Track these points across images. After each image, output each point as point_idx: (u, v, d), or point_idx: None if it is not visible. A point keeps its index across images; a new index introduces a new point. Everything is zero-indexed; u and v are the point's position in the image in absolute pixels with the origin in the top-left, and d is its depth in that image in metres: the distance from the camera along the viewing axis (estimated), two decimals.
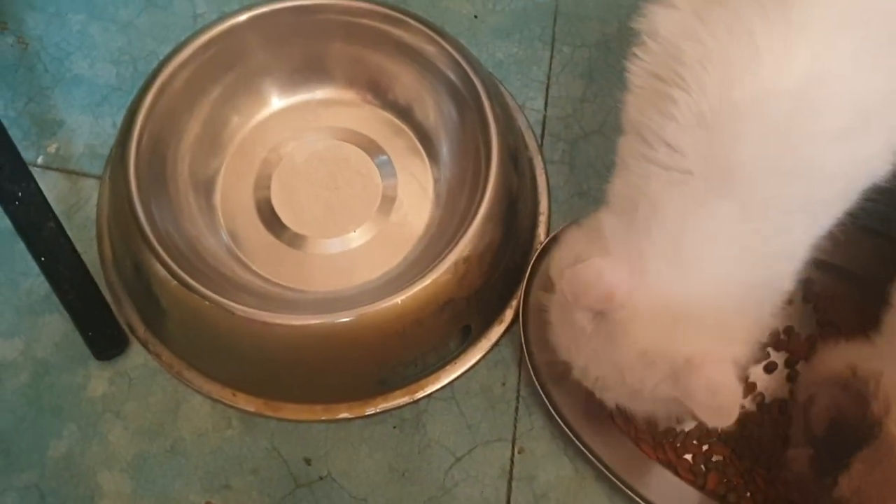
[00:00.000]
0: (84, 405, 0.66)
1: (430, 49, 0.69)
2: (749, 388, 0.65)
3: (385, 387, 0.65)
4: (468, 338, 0.66)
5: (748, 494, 0.62)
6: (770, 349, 0.66)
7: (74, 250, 0.66)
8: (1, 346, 0.68)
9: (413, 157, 0.73)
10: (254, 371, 0.64)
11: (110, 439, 0.65)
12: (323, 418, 0.65)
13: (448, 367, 0.66)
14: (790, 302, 0.67)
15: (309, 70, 0.74)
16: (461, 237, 0.61)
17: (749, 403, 0.65)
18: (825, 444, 0.51)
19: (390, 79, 0.73)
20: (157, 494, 0.64)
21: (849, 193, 0.52)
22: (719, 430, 0.64)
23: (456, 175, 0.70)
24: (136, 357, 0.68)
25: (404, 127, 0.74)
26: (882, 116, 0.49)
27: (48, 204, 0.66)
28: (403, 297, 0.59)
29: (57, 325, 0.69)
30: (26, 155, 0.69)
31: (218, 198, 0.71)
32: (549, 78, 0.80)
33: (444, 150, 0.72)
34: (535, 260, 0.67)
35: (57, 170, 0.75)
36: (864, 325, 0.56)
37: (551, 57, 0.81)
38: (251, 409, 0.65)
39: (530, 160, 0.74)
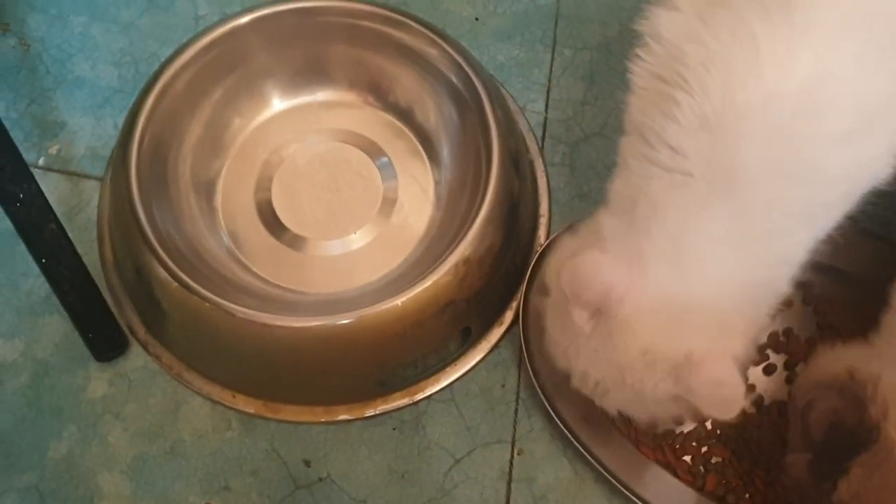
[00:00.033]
0: (84, 406, 0.66)
1: (431, 51, 0.69)
2: (748, 389, 0.65)
3: (385, 388, 0.65)
4: (468, 340, 0.66)
5: (747, 496, 0.62)
6: (769, 351, 0.67)
7: (75, 252, 0.67)
8: (1, 346, 0.68)
9: (414, 159, 0.73)
10: (254, 373, 0.64)
11: (110, 441, 0.65)
12: (323, 420, 0.65)
13: (448, 369, 0.66)
14: (790, 304, 0.67)
15: (310, 72, 0.74)
16: (462, 239, 0.61)
17: (748, 405, 0.65)
18: (824, 449, 0.51)
19: (391, 81, 0.73)
20: (156, 496, 0.64)
21: (850, 196, 0.52)
22: (718, 431, 0.64)
23: (457, 177, 0.70)
24: (136, 359, 0.68)
25: (405, 129, 0.74)
26: (884, 119, 0.49)
27: (49, 205, 0.66)
28: (404, 298, 0.59)
29: (57, 326, 0.69)
30: (28, 156, 0.69)
31: (219, 199, 0.72)
32: (550, 80, 0.80)
33: (445, 152, 0.72)
34: (536, 262, 0.67)
35: (58, 171, 0.75)
36: (864, 327, 0.56)
37: (552, 59, 0.81)
38: (251, 410, 0.65)
39: (531, 162, 0.74)
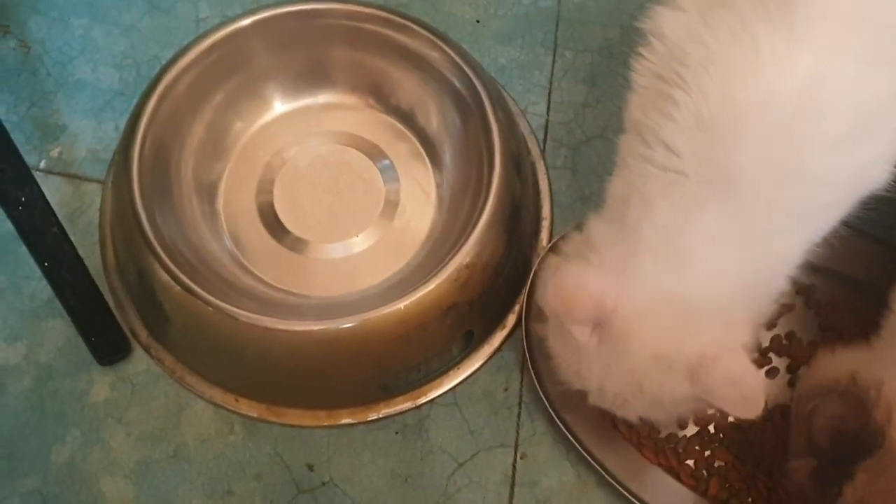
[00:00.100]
0: (87, 410, 0.66)
1: (432, 54, 0.69)
2: None
3: (387, 392, 0.65)
4: (471, 343, 0.66)
5: (750, 500, 0.62)
6: (772, 354, 0.67)
7: (77, 255, 0.66)
8: (4, 350, 0.68)
9: (416, 161, 0.73)
10: (256, 376, 0.64)
11: (113, 445, 0.65)
12: (325, 424, 0.65)
13: (451, 373, 0.66)
14: (792, 308, 0.68)
15: (312, 75, 0.74)
16: (464, 243, 0.61)
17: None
18: (828, 455, 0.51)
19: (393, 83, 0.73)
20: (159, 500, 0.64)
21: (848, 198, 0.52)
22: (721, 435, 0.64)
23: (459, 180, 0.70)
24: (139, 362, 0.68)
25: (407, 132, 0.74)
26: (884, 121, 0.49)
27: (51, 209, 0.66)
28: (406, 302, 0.59)
29: (60, 330, 0.69)
30: (29, 159, 0.69)
31: (221, 202, 0.71)
32: (551, 83, 0.80)
33: (447, 154, 0.72)
34: (538, 265, 0.67)
35: (59, 174, 0.75)
36: (866, 330, 0.56)
37: (553, 62, 0.81)
38: (254, 414, 0.65)
39: (533, 165, 0.74)
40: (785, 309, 0.67)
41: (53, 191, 0.73)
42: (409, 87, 0.73)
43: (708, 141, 0.49)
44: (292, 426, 0.65)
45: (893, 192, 0.52)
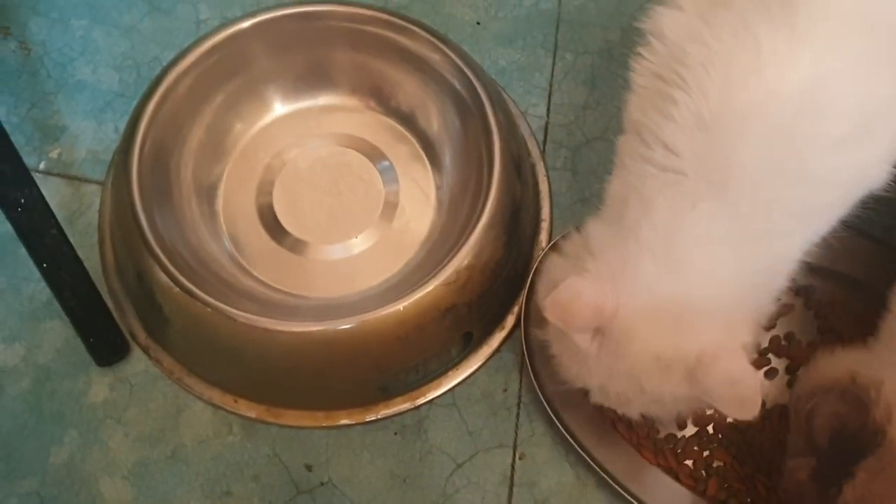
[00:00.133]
0: (85, 411, 0.66)
1: (433, 56, 0.69)
2: None
3: (386, 393, 0.65)
4: (469, 344, 0.66)
5: (749, 500, 0.62)
6: (771, 355, 0.67)
7: (76, 257, 0.66)
8: (2, 352, 0.68)
9: (415, 163, 0.73)
10: (255, 377, 0.64)
11: (111, 446, 0.65)
12: (324, 425, 0.65)
13: (449, 374, 0.66)
14: (791, 308, 0.67)
15: (312, 76, 0.74)
16: (463, 244, 0.61)
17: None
18: (828, 455, 0.51)
19: (393, 86, 0.73)
20: (158, 501, 0.64)
21: (848, 199, 0.52)
22: (720, 435, 0.64)
23: (458, 182, 0.70)
24: (138, 363, 0.68)
25: (407, 133, 0.74)
26: (885, 122, 0.49)
27: (51, 210, 0.66)
28: (405, 303, 0.59)
29: (58, 331, 0.69)
30: (28, 160, 0.69)
31: (220, 204, 0.71)
32: (551, 85, 0.80)
33: (447, 156, 0.72)
34: (536, 268, 0.67)
35: (59, 175, 0.75)
36: (865, 331, 0.56)
37: (553, 64, 0.81)
38: (252, 415, 0.65)
39: (533, 167, 0.74)
40: (784, 310, 0.67)
41: (53, 192, 0.73)
42: (409, 88, 0.73)
43: (708, 141, 0.49)
44: (291, 427, 0.65)
45: (892, 192, 0.52)
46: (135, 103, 0.67)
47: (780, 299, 0.54)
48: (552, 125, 0.78)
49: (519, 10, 0.83)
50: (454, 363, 0.66)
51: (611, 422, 0.63)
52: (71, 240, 0.67)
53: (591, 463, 0.61)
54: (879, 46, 0.48)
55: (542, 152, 0.76)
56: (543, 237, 0.72)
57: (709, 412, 0.64)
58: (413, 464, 0.65)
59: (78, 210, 0.73)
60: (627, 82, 0.56)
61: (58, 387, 0.67)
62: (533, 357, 0.64)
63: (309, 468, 0.65)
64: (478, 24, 0.83)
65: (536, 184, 0.74)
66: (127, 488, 0.64)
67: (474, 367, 0.67)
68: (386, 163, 0.73)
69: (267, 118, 0.75)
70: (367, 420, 0.65)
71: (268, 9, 0.70)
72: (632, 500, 0.60)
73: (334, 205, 0.71)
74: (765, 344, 0.66)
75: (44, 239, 0.65)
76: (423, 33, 0.69)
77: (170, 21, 0.82)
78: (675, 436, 0.64)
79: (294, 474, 0.65)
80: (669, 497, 0.61)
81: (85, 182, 0.75)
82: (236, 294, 0.64)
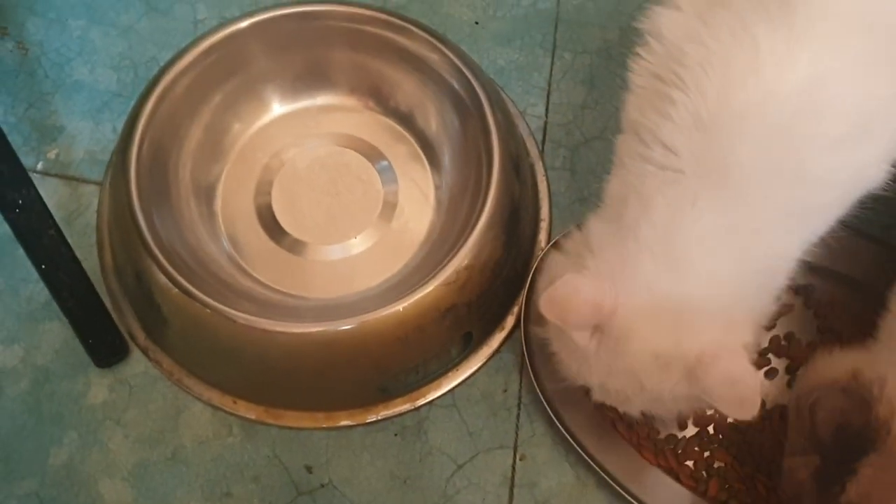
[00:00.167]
0: (84, 413, 0.66)
1: (431, 56, 0.69)
2: None
3: (386, 394, 0.65)
4: (469, 345, 0.66)
5: (749, 501, 0.62)
6: (771, 355, 0.67)
7: (75, 258, 0.66)
8: (1, 353, 0.68)
9: (414, 163, 0.73)
10: (255, 378, 0.64)
11: (111, 447, 0.65)
12: (324, 426, 0.65)
13: (449, 374, 0.66)
14: (791, 308, 0.68)
15: (310, 76, 0.74)
16: (463, 244, 0.61)
17: None
18: (832, 451, 0.51)
19: (392, 85, 0.73)
20: (158, 502, 0.64)
21: (847, 198, 0.52)
22: (720, 436, 0.64)
23: (457, 182, 0.70)
24: (137, 364, 0.68)
25: (406, 133, 0.74)
26: (883, 122, 0.49)
27: (48, 211, 0.66)
28: (405, 304, 0.59)
29: (57, 332, 0.68)
30: (26, 161, 0.69)
31: (219, 204, 0.71)
32: (550, 84, 0.80)
33: (446, 156, 0.72)
34: (537, 267, 0.67)
35: (57, 176, 0.75)
36: (865, 331, 0.56)
37: (552, 63, 0.81)
38: (252, 416, 0.65)
39: (531, 167, 0.74)
40: (784, 310, 0.67)
41: (51, 192, 0.73)
42: (408, 88, 0.73)
43: (706, 141, 0.49)
44: (291, 428, 0.65)
45: (891, 192, 0.52)
46: (132, 103, 0.67)
47: (780, 299, 0.54)
48: (551, 125, 0.78)
49: (517, 9, 0.83)
50: (454, 364, 0.66)
51: (611, 422, 0.63)
52: (69, 240, 0.67)
53: (592, 463, 0.61)
54: (877, 46, 0.48)
55: (541, 152, 0.76)
56: (543, 237, 0.72)
57: (709, 413, 0.64)
58: (413, 465, 0.65)
59: (76, 211, 0.73)
60: (626, 82, 0.56)
61: (57, 388, 0.67)
62: (533, 357, 0.64)
63: (309, 469, 0.65)
64: (476, 23, 0.83)
65: (535, 183, 0.73)
66: (127, 489, 0.64)
67: (474, 368, 0.67)
68: (385, 163, 0.73)
69: (265, 118, 0.75)
70: (368, 421, 0.65)
71: (266, 8, 0.70)
72: (632, 500, 0.60)
73: (333, 205, 0.71)
74: (765, 344, 0.66)
75: (42, 240, 0.65)
76: (421, 33, 0.69)
77: (167, 21, 0.82)
78: (675, 436, 0.64)
79: (294, 475, 0.65)
80: (670, 497, 0.61)
81: (83, 182, 0.75)
82: (235, 295, 0.64)
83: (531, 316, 0.65)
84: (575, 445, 0.62)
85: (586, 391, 0.54)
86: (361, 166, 0.73)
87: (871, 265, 0.67)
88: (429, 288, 0.60)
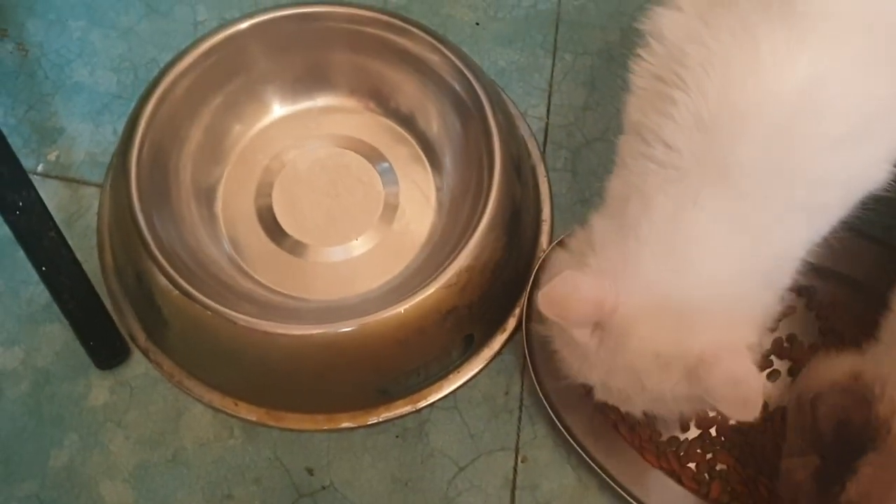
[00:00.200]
0: (85, 414, 0.66)
1: (432, 57, 0.69)
2: None
3: (387, 396, 0.65)
4: (471, 347, 0.66)
5: (751, 503, 0.61)
6: (773, 357, 0.66)
7: (75, 260, 0.66)
8: (1, 355, 0.68)
9: (415, 164, 0.73)
10: (255, 380, 0.64)
11: (111, 449, 0.65)
12: (325, 428, 0.65)
13: (451, 376, 0.66)
14: (793, 310, 0.67)
15: (311, 78, 0.74)
16: (464, 246, 0.61)
17: None
18: (831, 449, 0.51)
19: (392, 87, 0.73)
20: None
21: (848, 198, 0.52)
22: (722, 438, 0.64)
23: (458, 183, 0.70)
24: (138, 366, 0.67)
25: (406, 135, 0.74)
26: (883, 122, 0.49)
27: (49, 213, 0.66)
28: (406, 306, 0.59)
29: (58, 334, 0.68)
30: (26, 163, 0.69)
31: (219, 206, 0.71)
32: (551, 85, 0.80)
33: (447, 158, 0.72)
34: (540, 265, 0.67)
35: (57, 178, 0.75)
36: (867, 332, 0.56)
37: (553, 64, 0.81)
38: (253, 418, 0.65)
39: (533, 168, 0.74)
40: (786, 311, 0.67)
41: (51, 194, 0.73)
42: (408, 90, 0.73)
43: (707, 141, 0.49)
44: (292, 430, 0.65)
45: (893, 192, 0.52)
46: (133, 105, 0.67)
47: (784, 300, 0.54)
48: (552, 126, 0.78)
49: (518, 10, 0.83)
50: (455, 366, 0.66)
51: (613, 424, 0.63)
52: (69, 242, 0.67)
53: (594, 466, 0.61)
54: (878, 47, 0.48)
55: (542, 153, 0.76)
56: (544, 238, 0.72)
57: (712, 415, 0.64)
58: (415, 467, 0.65)
59: (76, 212, 0.73)
60: (627, 83, 0.56)
61: (57, 390, 0.67)
62: (534, 359, 0.64)
63: (310, 471, 0.65)
64: (477, 24, 0.83)
65: (537, 185, 0.73)
66: (127, 491, 0.64)
67: (475, 370, 0.66)
68: (385, 164, 0.73)
69: (266, 120, 0.75)
70: (369, 423, 0.65)
71: (266, 10, 0.70)
72: (634, 503, 0.60)
73: (334, 207, 0.71)
74: (767, 346, 0.66)
75: (42, 242, 0.65)
76: (422, 34, 0.69)
77: (167, 22, 0.82)
78: (677, 438, 0.63)
79: (295, 478, 0.65)
80: (672, 500, 0.61)
81: (83, 184, 0.74)
82: (236, 296, 0.64)
83: (532, 316, 0.65)
84: (577, 447, 0.62)
85: (588, 391, 0.54)
86: (362, 168, 0.73)
87: (872, 266, 0.67)
88: (430, 290, 0.60)
